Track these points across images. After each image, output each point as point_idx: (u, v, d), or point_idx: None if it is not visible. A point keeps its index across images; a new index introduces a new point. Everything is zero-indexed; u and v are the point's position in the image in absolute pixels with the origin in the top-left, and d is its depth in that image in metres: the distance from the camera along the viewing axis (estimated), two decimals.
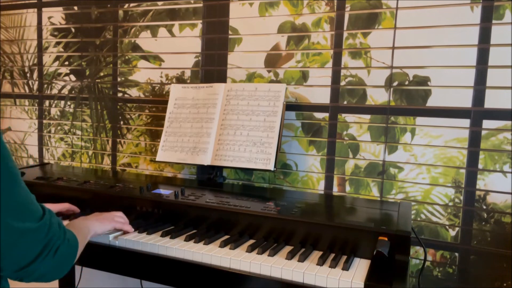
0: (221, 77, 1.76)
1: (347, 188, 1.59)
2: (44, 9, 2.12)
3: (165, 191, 1.42)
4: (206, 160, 1.56)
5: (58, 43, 2.10)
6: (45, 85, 2.15)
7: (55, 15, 2.09)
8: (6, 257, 0.79)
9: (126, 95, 1.96)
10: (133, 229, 1.24)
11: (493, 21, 1.38)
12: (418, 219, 1.50)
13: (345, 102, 1.58)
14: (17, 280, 0.85)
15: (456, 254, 1.46)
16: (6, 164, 0.77)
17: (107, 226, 1.16)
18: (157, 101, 1.90)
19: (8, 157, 0.78)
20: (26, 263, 0.81)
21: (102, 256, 1.22)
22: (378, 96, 1.53)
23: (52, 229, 0.85)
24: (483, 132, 1.41)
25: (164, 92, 1.88)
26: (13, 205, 0.78)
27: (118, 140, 2.00)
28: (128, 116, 1.96)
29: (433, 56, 1.45)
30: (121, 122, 1.98)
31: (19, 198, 0.80)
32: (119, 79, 1.97)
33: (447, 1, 1.42)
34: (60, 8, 2.08)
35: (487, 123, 1.41)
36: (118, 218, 1.22)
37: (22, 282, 0.87)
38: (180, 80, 1.84)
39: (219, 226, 1.27)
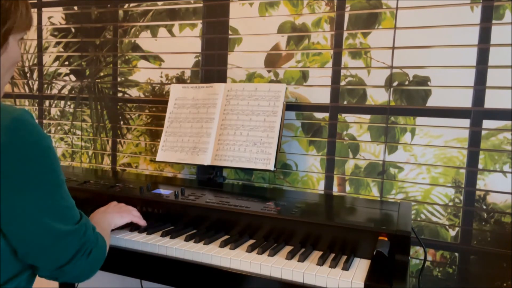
0: (221, 77, 1.76)
1: (347, 188, 1.59)
2: (44, 9, 2.12)
3: (165, 191, 1.42)
4: (206, 160, 1.56)
5: (58, 43, 2.10)
6: (45, 85, 2.15)
7: (55, 15, 2.09)
8: (44, 257, 0.85)
9: (126, 95, 1.96)
10: (146, 223, 1.28)
11: (493, 21, 1.38)
12: (418, 219, 1.50)
13: (345, 102, 1.58)
14: (52, 279, 0.91)
15: (456, 254, 1.46)
16: (54, 169, 0.83)
17: (125, 219, 1.22)
18: (157, 101, 1.90)
19: (57, 163, 0.84)
20: (62, 263, 0.86)
21: None
22: (378, 96, 1.53)
23: (87, 233, 0.90)
24: (483, 132, 1.41)
25: (164, 92, 1.88)
26: (57, 207, 0.84)
27: (118, 140, 2.00)
28: (128, 116, 1.96)
29: (433, 56, 1.45)
30: (121, 122, 1.98)
31: (62, 202, 0.85)
32: (119, 79, 1.97)
33: (447, 1, 1.42)
34: (60, 8, 2.08)
35: (487, 123, 1.41)
36: (135, 212, 1.27)
37: (55, 281, 0.93)
38: (180, 80, 1.84)
39: (219, 226, 1.27)
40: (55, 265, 0.87)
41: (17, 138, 0.78)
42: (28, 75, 2.19)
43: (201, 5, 1.78)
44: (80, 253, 0.88)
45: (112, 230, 1.25)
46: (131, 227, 1.27)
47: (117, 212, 1.21)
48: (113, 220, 1.17)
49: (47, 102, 2.15)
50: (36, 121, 0.96)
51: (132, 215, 1.25)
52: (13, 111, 0.80)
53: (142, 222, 1.27)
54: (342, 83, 1.58)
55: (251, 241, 1.20)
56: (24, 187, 0.79)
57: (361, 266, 1.06)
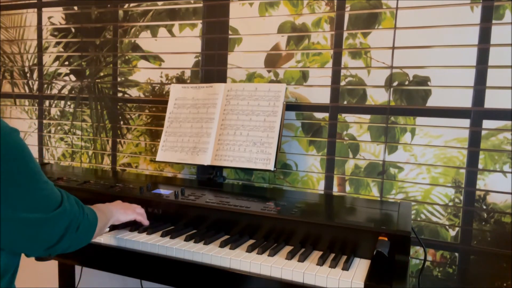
0: (221, 77, 1.76)
1: (347, 188, 1.59)
2: (44, 9, 2.12)
3: (165, 191, 1.42)
4: (206, 160, 1.56)
5: (58, 43, 2.10)
6: (45, 85, 2.15)
7: (55, 15, 2.09)
8: (31, 244, 0.87)
9: (126, 95, 1.96)
10: (148, 223, 1.29)
11: (493, 21, 1.38)
12: (418, 219, 1.50)
13: (345, 102, 1.58)
14: (45, 255, 0.97)
15: (456, 254, 1.46)
16: (25, 163, 0.82)
17: (129, 216, 1.22)
18: (157, 101, 1.90)
19: (29, 156, 0.83)
20: (52, 244, 0.89)
21: (102, 256, 1.22)
22: (378, 96, 1.53)
23: (72, 209, 0.92)
24: (483, 132, 1.41)
25: (164, 92, 1.88)
26: (34, 199, 0.84)
27: (118, 140, 2.00)
28: (128, 116, 1.96)
29: (433, 56, 1.45)
30: (121, 122, 1.98)
31: (38, 192, 0.85)
32: (119, 79, 1.97)
33: (447, 1, 1.42)
34: (60, 8, 2.08)
35: (487, 123, 1.41)
36: (140, 210, 1.28)
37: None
38: (180, 80, 1.84)
39: (219, 226, 1.27)
40: (43, 247, 0.89)
41: None
42: (28, 75, 2.19)
43: (201, 5, 1.78)
44: (69, 231, 0.90)
45: (113, 229, 1.25)
46: (131, 227, 1.27)
47: (121, 207, 1.22)
48: (116, 212, 1.18)
49: (47, 102, 2.15)
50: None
51: (137, 213, 1.25)
52: None
53: (146, 222, 1.27)
54: (342, 83, 1.58)
55: (251, 241, 1.20)
56: None
57: (361, 266, 1.06)
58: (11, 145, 0.80)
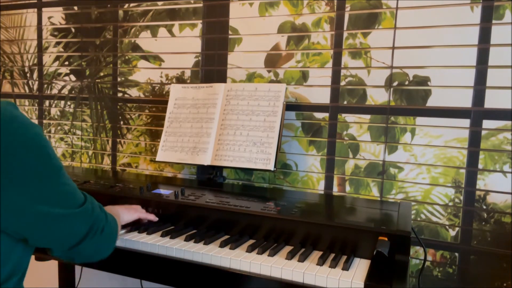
0: (221, 77, 1.76)
1: (347, 188, 1.59)
2: (44, 9, 2.12)
3: (165, 191, 1.42)
4: (206, 160, 1.56)
5: (58, 43, 2.10)
6: (45, 85, 2.15)
7: (55, 15, 2.09)
8: (53, 240, 0.88)
9: (126, 95, 1.96)
10: (157, 218, 1.31)
11: (493, 21, 1.38)
12: (418, 219, 1.50)
13: (345, 102, 1.58)
14: (68, 261, 0.96)
15: (456, 254, 1.46)
16: (48, 158, 0.83)
17: (133, 215, 1.25)
18: (157, 101, 1.90)
19: (49, 150, 0.84)
20: (74, 242, 0.89)
21: None
22: (378, 96, 1.53)
23: (94, 212, 0.92)
24: (483, 132, 1.41)
25: (164, 92, 1.88)
26: (56, 194, 0.85)
27: (118, 140, 2.00)
28: (128, 116, 1.97)
29: (433, 56, 1.45)
30: (121, 122, 1.98)
31: (61, 187, 0.86)
32: (119, 79, 1.97)
33: (447, 1, 1.42)
34: (60, 8, 2.08)
35: (487, 123, 1.41)
36: (141, 209, 1.30)
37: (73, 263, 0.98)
38: (180, 80, 1.84)
39: (219, 226, 1.27)
40: (66, 245, 0.89)
41: (4, 132, 0.77)
42: (28, 75, 2.19)
43: (201, 5, 1.78)
44: (92, 232, 0.90)
45: None
46: (131, 227, 1.27)
47: (125, 208, 1.24)
48: (122, 213, 1.19)
49: (47, 102, 2.15)
50: (25, 114, 0.95)
51: (140, 211, 1.28)
52: None
53: (151, 217, 1.30)
54: (342, 83, 1.58)
55: (251, 241, 1.20)
56: (18, 181, 0.79)
57: (361, 266, 1.06)
58: (36, 139, 0.81)
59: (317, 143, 1.63)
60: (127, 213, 1.22)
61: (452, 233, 1.47)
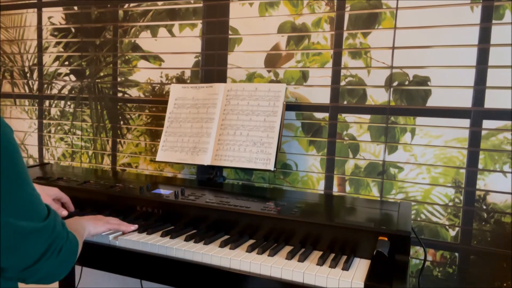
0: (221, 77, 1.76)
1: (347, 188, 1.59)
2: (44, 9, 2.12)
3: (165, 191, 1.42)
4: (206, 160, 1.56)
5: (58, 43, 2.10)
6: (45, 85, 2.15)
7: (55, 15, 2.09)
8: (10, 257, 0.77)
9: (126, 95, 1.96)
10: (132, 227, 1.24)
11: (493, 21, 1.38)
12: (418, 219, 1.50)
13: (345, 102, 1.58)
14: (19, 281, 0.84)
15: (456, 254, 1.46)
16: (15, 163, 0.75)
17: (101, 228, 1.17)
18: (157, 101, 1.90)
19: (17, 155, 0.76)
20: (30, 262, 0.79)
21: (102, 256, 1.22)
22: (378, 96, 1.53)
23: (56, 229, 0.83)
24: (483, 132, 1.41)
25: (164, 92, 1.88)
26: (20, 204, 0.76)
27: (118, 140, 2.00)
28: (128, 116, 1.97)
29: (433, 56, 1.45)
30: (121, 122, 1.98)
31: (26, 197, 0.77)
32: (119, 79, 1.97)
33: (447, 1, 1.42)
34: (60, 8, 2.08)
35: (487, 123, 1.41)
36: (113, 221, 1.23)
37: (24, 284, 0.86)
38: (180, 80, 1.84)
39: (219, 226, 1.27)
40: (22, 265, 0.79)
41: None
42: (28, 75, 2.19)
43: (201, 5, 1.78)
44: (49, 251, 0.81)
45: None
46: None
47: (91, 219, 1.16)
48: (88, 226, 1.10)
49: (47, 102, 2.15)
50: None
51: (109, 223, 1.20)
52: None
53: (124, 228, 1.22)
54: (342, 83, 1.58)
55: (251, 241, 1.20)
56: None
57: (361, 266, 1.06)
58: (3, 142, 0.73)
59: (317, 143, 1.63)
60: (93, 226, 1.13)
61: (452, 233, 1.47)
